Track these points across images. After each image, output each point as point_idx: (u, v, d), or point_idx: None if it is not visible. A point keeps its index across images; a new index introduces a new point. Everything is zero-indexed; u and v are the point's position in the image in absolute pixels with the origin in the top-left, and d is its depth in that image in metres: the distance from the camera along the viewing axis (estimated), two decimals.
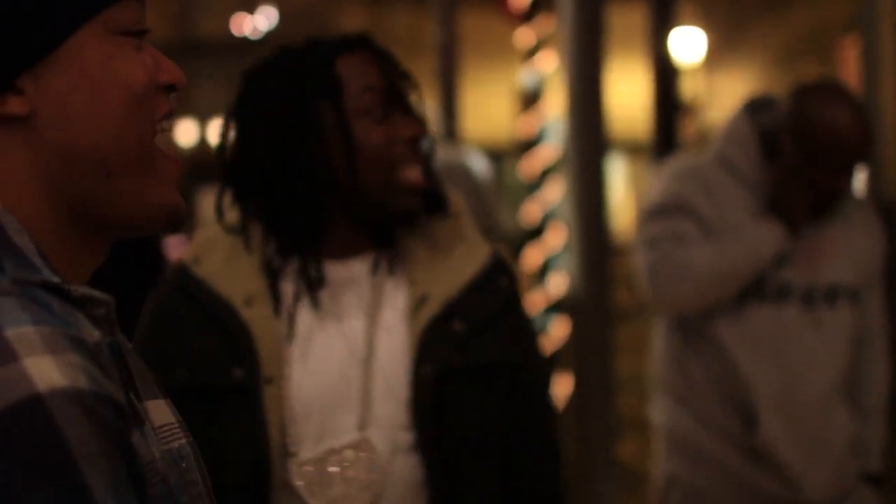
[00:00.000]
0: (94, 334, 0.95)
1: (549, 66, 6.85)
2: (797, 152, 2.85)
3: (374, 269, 1.85)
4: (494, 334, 1.85)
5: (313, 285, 1.80)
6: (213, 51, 16.50)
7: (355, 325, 1.81)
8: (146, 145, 1.04)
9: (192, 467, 1.06)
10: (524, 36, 7.14)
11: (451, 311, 1.81)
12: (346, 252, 1.84)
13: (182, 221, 1.07)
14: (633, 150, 14.25)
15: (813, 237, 2.94)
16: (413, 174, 1.80)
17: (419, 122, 1.83)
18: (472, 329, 1.82)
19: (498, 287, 1.87)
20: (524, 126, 7.58)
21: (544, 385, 1.94)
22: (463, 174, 5.14)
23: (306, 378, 1.78)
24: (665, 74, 5.91)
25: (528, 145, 7.44)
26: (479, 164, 5.19)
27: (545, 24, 6.93)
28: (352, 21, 16.54)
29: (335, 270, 1.83)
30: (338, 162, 1.78)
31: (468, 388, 1.81)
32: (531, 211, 7.40)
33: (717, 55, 16.38)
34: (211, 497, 1.08)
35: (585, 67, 4.87)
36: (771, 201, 2.90)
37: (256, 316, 1.75)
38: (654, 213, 2.93)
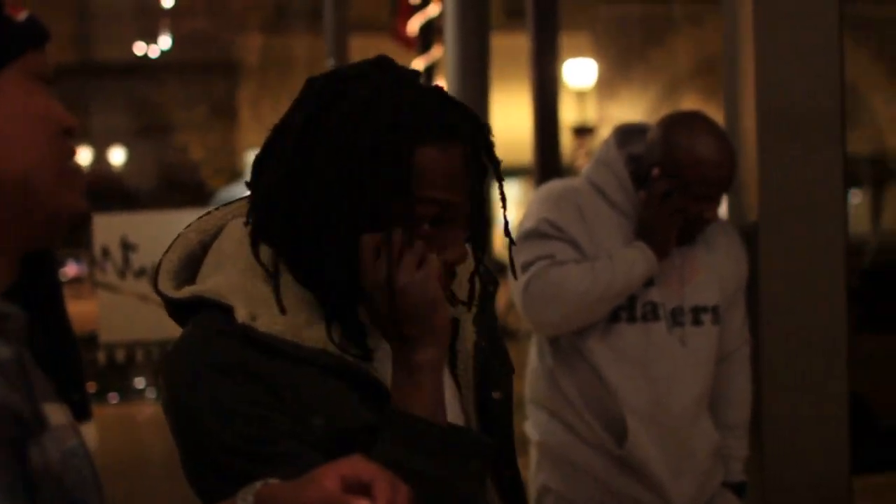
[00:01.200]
0: (4, 352, 1.05)
1: None
2: (665, 180, 2.93)
3: None
4: (500, 345, 1.74)
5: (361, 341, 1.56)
6: (113, 74, 16.36)
7: None
8: (61, 168, 1.16)
9: (85, 464, 1.14)
10: (417, 63, 7.25)
11: (479, 329, 1.69)
12: None
13: (84, 223, 1.18)
14: (521, 173, 14.42)
15: (680, 260, 3.02)
16: None
17: (464, 246, 1.56)
18: (490, 345, 1.70)
19: (489, 295, 1.74)
20: None
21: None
22: None
23: None
24: (548, 100, 5.98)
25: None
26: None
27: (437, 51, 7.04)
28: (249, 45, 16.52)
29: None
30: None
31: (511, 408, 1.73)
32: None
33: (610, 83, 16.61)
34: (101, 493, 1.19)
35: (470, 93, 5.04)
36: (641, 227, 2.98)
37: (359, 361, 1.54)
38: (530, 236, 2.97)
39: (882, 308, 8.44)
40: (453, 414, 1.59)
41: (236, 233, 1.57)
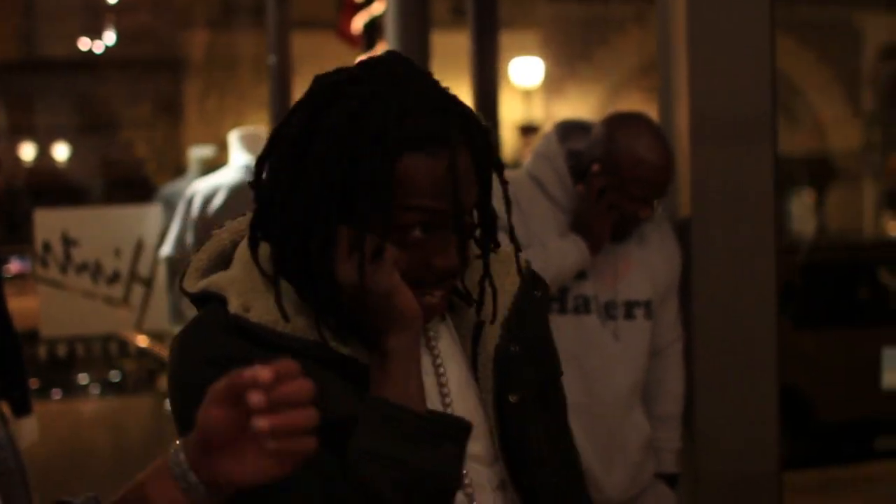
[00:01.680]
0: None
1: None
2: (603, 178, 2.98)
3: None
4: (541, 351, 1.71)
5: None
6: (58, 70, 16.24)
7: (422, 363, 1.59)
8: None
9: (10, 455, 1.18)
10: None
11: (508, 333, 1.65)
12: None
13: None
14: None
15: (613, 255, 3.07)
16: (430, 301, 1.56)
17: (456, 256, 1.55)
18: (525, 350, 1.67)
19: (535, 301, 1.71)
20: None
21: (564, 394, 1.79)
22: None
23: None
24: (489, 98, 6.03)
25: None
26: None
27: (381, 48, 7.07)
28: (194, 42, 16.45)
29: None
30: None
31: (536, 413, 1.67)
32: None
33: (557, 82, 16.69)
34: (27, 485, 1.22)
35: None
36: (576, 220, 3.03)
37: (355, 352, 1.54)
38: None
39: (821, 304, 8.56)
40: (472, 416, 1.59)
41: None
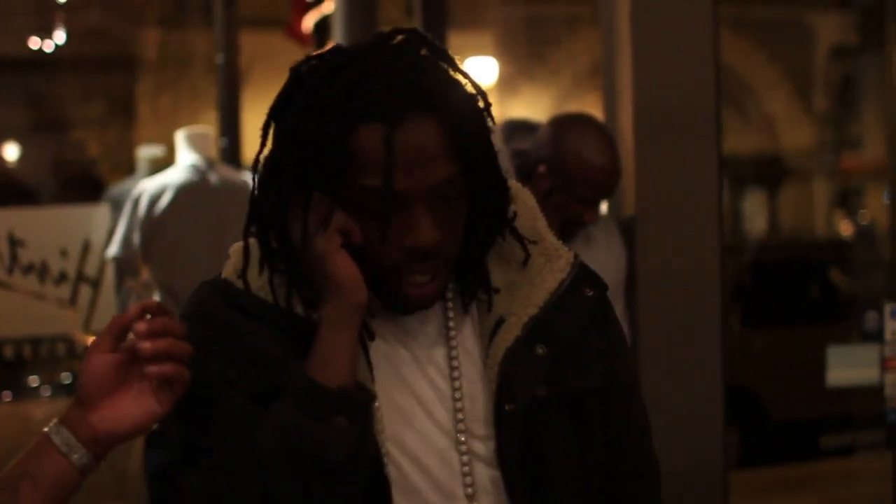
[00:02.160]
0: None
1: None
2: (549, 178, 2.99)
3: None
4: (581, 357, 1.61)
5: (364, 342, 1.56)
6: (8, 69, 16.09)
7: (434, 353, 1.58)
8: None
9: None
10: None
11: (534, 334, 1.57)
12: None
13: None
14: None
15: None
16: (415, 286, 1.53)
17: (434, 223, 1.50)
18: (555, 353, 1.58)
19: (583, 300, 1.62)
20: None
21: (638, 402, 1.72)
22: (243, 194, 5.22)
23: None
24: None
25: None
26: None
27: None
28: (146, 41, 16.33)
29: None
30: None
31: (556, 420, 1.58)
32: None
33: (511, 82, 16.71)
34: None
35: None
36: None
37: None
38: None
39: (771, 303, 8.60)
40: (483, 417, 1.56)
41: None
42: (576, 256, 1.65)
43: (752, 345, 8.05)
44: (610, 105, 3.45)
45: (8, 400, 8.90)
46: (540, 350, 1.57)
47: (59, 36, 12.43)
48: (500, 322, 1.58)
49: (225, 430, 1.49)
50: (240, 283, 1.56)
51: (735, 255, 8.84)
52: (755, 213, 18.50)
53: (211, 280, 1.61)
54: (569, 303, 1.60)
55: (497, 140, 3.11)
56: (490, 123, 1.58)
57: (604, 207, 3.37)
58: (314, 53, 1.57)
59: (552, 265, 1.62)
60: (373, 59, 1.49)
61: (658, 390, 3.34)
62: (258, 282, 1.56)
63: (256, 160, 1.57)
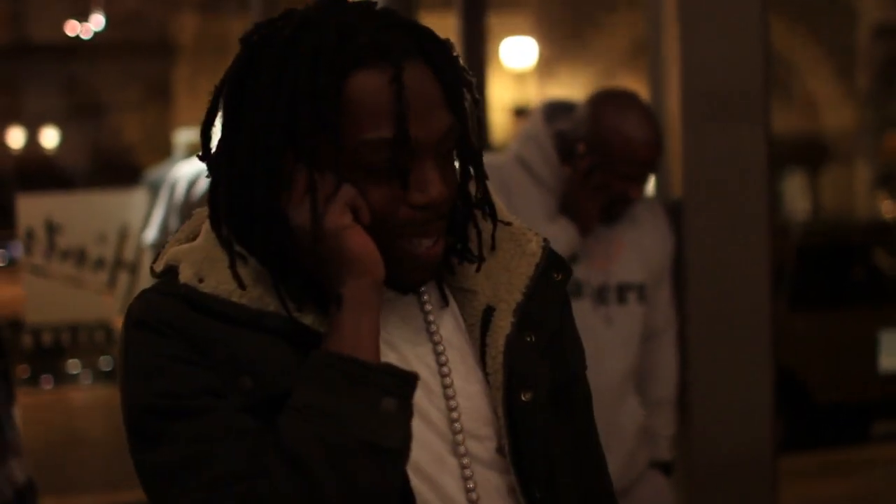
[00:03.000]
0: None
1: None
2: (591, 157, 2.91)
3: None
4: (563, 342, 1.52)
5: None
6: (46, 54, 16.19)
7: (420, 352, 1.46)
8: None
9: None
10: None
11: (522, 321, 1.47)
12: None
13: None
14: None
15: (604, 238, 3.01)
16: (422, 248, 1.41)
17: (442, 177, 1.39)
18: (543, 340, 1.48)
19: (554, 284, 1.52)
20: None
21: (590, 393, 1.61)
22: None
23: None
24: (476, 80, 6.00)
25: None
26: None
27: None
28: (184, 27, 16.40)
29: None
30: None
31: (551, 413, 1.49)
32: None
33: (550, 64, 16.64)
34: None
35: None
36: (564, 202, 2.97)
37: (318, 323, 1.40)
38: None
39: (816, 286, 8.51)
40: (479, 415, 1.45)
41: None
42: (545, 239, 1.53)
43: (795, 328, 7.97)
44: (656, 87, 3.39)
45: (48, 387, 8.95)
46: (529, 338, 1.46)
47: (98, 21, 12.48)
48: (488, 311, 1.47)
49: (224, 444, 1.33)
50: (204, 288, 1.38)
51: (777, 238, 8.75)
52: (796, 195, 18.37)
53: (157, 289, 1.42)
54: (542, 288, 1.50)
55: (537, 122, 3.07)
56: (468, 76, 1.43)
57: (650, 189, 3.30)
58: (263, 21, 1.42)
59: (523, 249, 1.51)
60: (339, 13, 1.38)
61: (707, 376, 3.29)
62: (227, 284, 1.39)
63: (206, 148, 1.43)
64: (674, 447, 3.18)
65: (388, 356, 1.41)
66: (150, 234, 5.15)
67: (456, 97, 1.39)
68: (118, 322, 6.40)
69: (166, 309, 1.37)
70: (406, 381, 1.34)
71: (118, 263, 5.40)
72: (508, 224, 1.52)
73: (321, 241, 1.35)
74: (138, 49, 16.47)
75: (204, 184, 5.06)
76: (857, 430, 7.47)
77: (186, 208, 5.03)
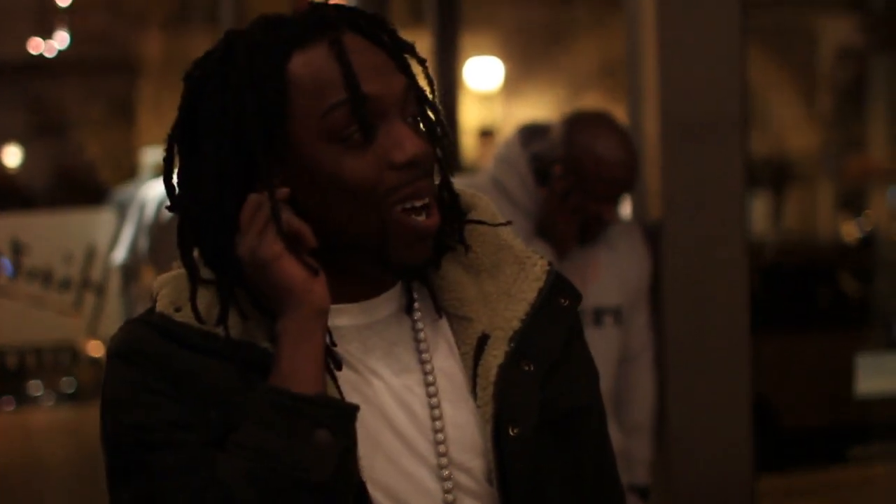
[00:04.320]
0: None
1: None
2: (566, 179, 2.91)
3: (407, 306, 1.45)
4: (566, 373, 1.45)
5: (332, 372, 1.38)
6: (9, 72, 16.06)
7: (408, 379, 1.42)
8: None
9: None
10: None
11: (519, 349, 1.41)
12: (363, 292, 1.43)
13: None
14: None
15: (581, 260, 3.00)
16: (419, 220, 1.36)
17: (416, 134, 1.36)
18: (543, 369, 1.43)
19: (560, 310, 1.46)
20: None
21: (606, 425, 1.57)
22: None
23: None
24: (448, 99, 6.01)
25: None
26: None
27: None
28: (149, 45, 16.31)
29: (353, 315, 1.43)
30: (307, 206, 1.36)
31: (548, 443, 1.43)
32: None
33: (515, 84, 16.68)
34: None
35: None
36: (541, 225, 2.95)
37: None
38: None
39: (781, 308, 8.53)
40: (469, 448, 1.40)
41: None
42: (550, 263, 1.49)
43: (761, 350, 7.98)
44: (633, 109, 3.39)
45: (10, 408, 8.85)
46: (526, 367, 1.41)
47: (62, 39, 12.40)
48: (483, 339, 1.43)
49: (186, 479, 1.30)
50: (179, 317, 1.36)
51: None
52: (761, 216, 18.47)
53: (138, 318, 1.40)
54: (546, 314, 1.45)
55: (513, 145, 3.05)
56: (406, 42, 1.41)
57: (627, 212, 3.29)
58: (199, 57, 1.41)
59: (527, 273, 1.46)
60: (264, 19, 1.38)
61: (685, 399, 3.29)
62: (212, 314, 1.36)
63: (171, 194, 1.41)
64: (651, 472, 3.16)
65: (371, 385, 1.39)
66: (119, 254, 5.09)
67: (401, 59, 1.37)
68: (84, 343, 6.34)
69: (141, 339, 1.36)
70: (342, 413, 1.31)
71: (85, 284, 5.33)
72: (496, 226, 1.49)
73: (258, 273, 1.33)
74: (103, 67, 16.38)
75: None
76: (834, 453, 7.47)
77: (156, 229, 4.98)
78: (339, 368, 1.38)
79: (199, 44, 15.27)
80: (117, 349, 1.37)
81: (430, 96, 1.41)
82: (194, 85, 1.38)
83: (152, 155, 6.84)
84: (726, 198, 3.31)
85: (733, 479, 3.34)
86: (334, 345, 1.38)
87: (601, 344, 3.00)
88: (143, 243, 5.02)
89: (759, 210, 18.59)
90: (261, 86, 1.32)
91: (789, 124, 18.21)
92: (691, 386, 3.30)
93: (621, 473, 3.00)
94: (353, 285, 1.41)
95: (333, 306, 1.36)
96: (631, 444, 3.09)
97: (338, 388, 1.37)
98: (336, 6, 1.37)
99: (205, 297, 1.37)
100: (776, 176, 18.22)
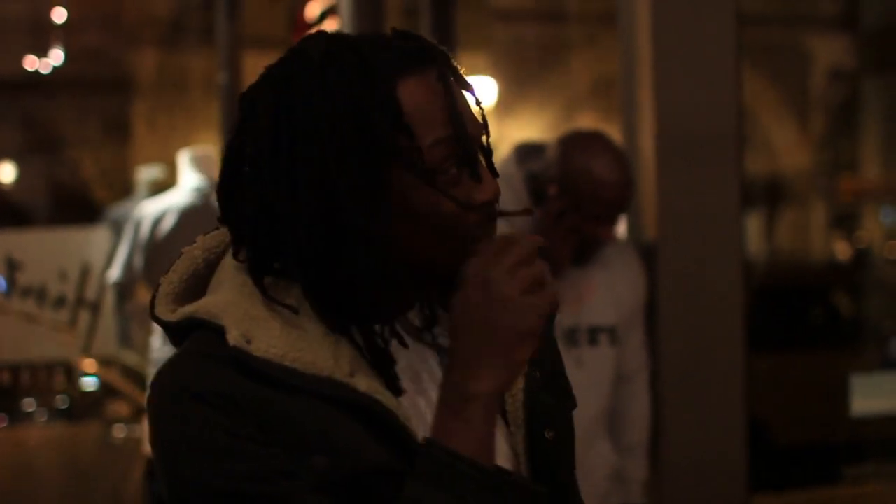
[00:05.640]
0: None
1: None
2: (561, 199, 2.90)
3: (428, 322, 1.45)
4: (556, 378, 1.50)
5: (385, 364, 1.36)
6: (3, 89, 16.06)
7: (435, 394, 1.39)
8: None
9: None
10: None
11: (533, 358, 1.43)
12: (394, 310, 1.41)
13: None
14: None
15: (576, 280, 3.01)
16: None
17: (493, 180, 1.38)
18: (546, 377, 1.47)
19: (550, 320, 1.48)
20: None
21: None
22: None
23: None
24: None
25: None
26: None
27: None
28: (143, 63, 16.32)
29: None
30: (399, 231, 1.33)
31: (567, 452, 1.49)
32: None
33: (509, 103, 16.69)
34: None
35: None
36: None
37: (373, 388, 1.31)
38: None
39: (775, 327, 8.53)
40: (501, 454, 1.39)
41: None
42: None
43: (753, 369, 7.98)
44: (629, 128, 3.39)
45: (3, 425, 8.83)
46: (535, 373, 1.45)
47: (57, 57, 12.40)
48: None
49: None
50: (255, 351, 1.29)
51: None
52: (754, 235, 18.49)
53: (199, 350, 1.32)
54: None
55: (509, 164, 3.06)
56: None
57: (622, 232, 3.29)
58: (273, 63, 1.39)
59: None
60: (358, 37, 1.36)
61: (681, 418, 3.28)
62: (277, 348, 1.30)
63: (227, 207, 1.37)
64: (646, 491, 3.16)
65: (415, 401, 1.37)
66: (115, 272, 5.08)
67: (478, 102, 1.38)
68: (79, 361, 6.33)
69: (221, 379, 1.28)
70: (538, 495, 1.32)
71: (79, 302, 5.33)
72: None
73: (483, 307, 1.29)
74: (97, 85, 16.38)
75: (170, 221, 5.01)
76: (828, 473, 7.46)
77: (151, 247, 4.98)
78: (399, 394, 1.36)
79: (194, 62, 15.32)
80: (198, 392, 1.29)
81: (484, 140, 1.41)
82: (279, 85, 1.35)
83: (147, 172, 6.83)
84: (722, 216, 3.31)
85: (728, 499, 3.34)
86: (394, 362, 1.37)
87: (597, 363, 3.01)
88: (139, 261, 5.02)
89: (753, 229, 18.61)
90: (377, 108, 1.30)
91: (782, 144, 18.25)
92: (687, 405, 3.30)
93: (616, 493, 3.04)
94: (394, 302, 1.40)
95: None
96: (626, 464, 3.10)
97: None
98: (419, 37, 1.36)
99: (273, 327, 1.31)
100: (770, 195, 18.25)
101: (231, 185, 1.36)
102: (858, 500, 6.54)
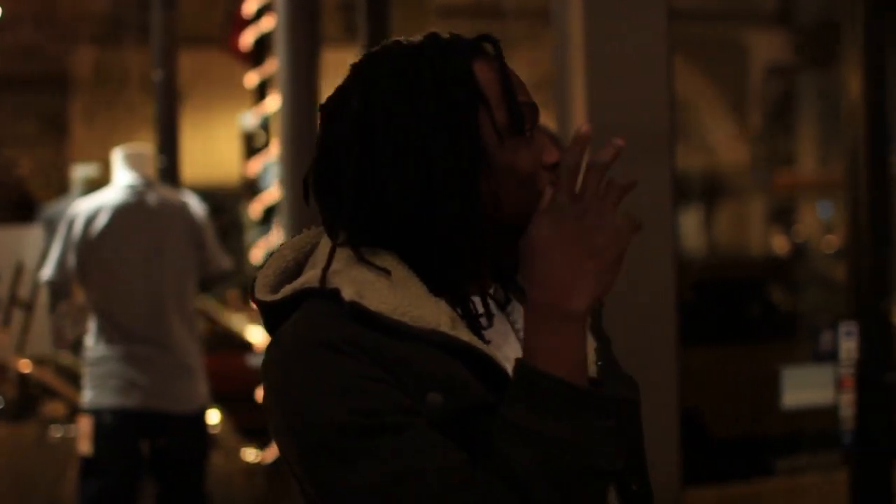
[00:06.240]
0: None
1: (275, 107, 6.86)
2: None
3: (502, 304, 1.55)
4: (608, 339, 1.65)
5: (478, 325, 1.49)
6: None
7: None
8: None
9: None
10: (251, 77, 7.15)
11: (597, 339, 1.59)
12: (483, 275, 1.53)
13: None
14: None
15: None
16: None
17: (555, 148, 1.53)
18: (601, 345, 1.59)
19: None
20: (249, 168, 7.57)
21: None
22: (183, 214, 5.11)
23: None
24: None
25: (253, 187, 7.43)
26: (195, 205, 5.20)
27: (271, 65, 6.96)
28: (81, 60, 16.18)
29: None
30: (487, 189, 1.47)
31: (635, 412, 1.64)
32: (257, 252, 7.39)
33: None
34: None
35: (301, 107, 5.02)
36: None
37: (473, 340, 1.43)
38: None
39: (711, 320, 8.61)
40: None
41: (328, 248, 1.52)
42: None
43: (691, 363, 8.04)
44: (563, 124, 3.40)
45: None
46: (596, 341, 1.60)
47: None
48: None
49: (427, 459, 1.36)
50: (369, 305, 1.42)
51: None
52: (692, 230, 18.62)
53: (318, 310, 1.45)
54: (599, 312, 1.68)
55: None
56: None
57: None
58: (360, 58, 1.55)
59: None
60: (422, 39, 1.54)
61: None
62: (385, 304, 1.43)
63: (316, 192, 1.53)
64: None
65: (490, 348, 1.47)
66: (48, 271, 5.02)
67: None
68: (12, 361, 6.26)
69: (345, 329, 1.41)
70: (620, 405, 1.42)
71: (13, 301, 5.27)
72: None
73: (583, 239, 1.42)
74: (33, 82, 16.23)
75: (103, 219, 4.97)
76: (761, 465, 7.53)
77: (84, 245, 4.93)
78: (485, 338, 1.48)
79: (132, 59, 15.19)
80: (323, 339, 1.41)
81: None
82: (369, 75, 1.49)
83: (82, 171, 6.76)
84: (655, 214, 3.33)
85: (662, 491, 3.36)
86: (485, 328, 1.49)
87: None
88: (72, 260, 4.96)
89: (691, 224, 18.76)
90: (465, 85, 1.48)
91: (720, 139, 18.40)
92: None
93: None
94: (482, 266, 1.52)
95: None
96: None
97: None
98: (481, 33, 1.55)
99: (380, 288, 1.44)
100: (707, 190, 18.39)
101: (327, 174, 1.51)
102: (793, 492, 6.62)
